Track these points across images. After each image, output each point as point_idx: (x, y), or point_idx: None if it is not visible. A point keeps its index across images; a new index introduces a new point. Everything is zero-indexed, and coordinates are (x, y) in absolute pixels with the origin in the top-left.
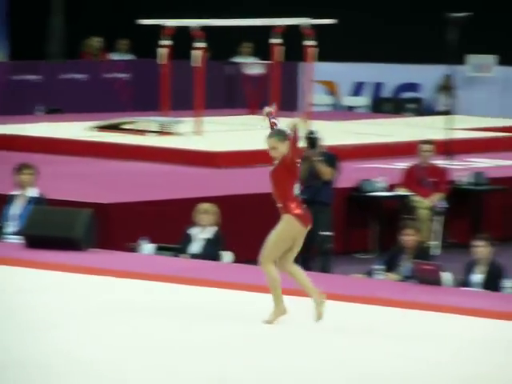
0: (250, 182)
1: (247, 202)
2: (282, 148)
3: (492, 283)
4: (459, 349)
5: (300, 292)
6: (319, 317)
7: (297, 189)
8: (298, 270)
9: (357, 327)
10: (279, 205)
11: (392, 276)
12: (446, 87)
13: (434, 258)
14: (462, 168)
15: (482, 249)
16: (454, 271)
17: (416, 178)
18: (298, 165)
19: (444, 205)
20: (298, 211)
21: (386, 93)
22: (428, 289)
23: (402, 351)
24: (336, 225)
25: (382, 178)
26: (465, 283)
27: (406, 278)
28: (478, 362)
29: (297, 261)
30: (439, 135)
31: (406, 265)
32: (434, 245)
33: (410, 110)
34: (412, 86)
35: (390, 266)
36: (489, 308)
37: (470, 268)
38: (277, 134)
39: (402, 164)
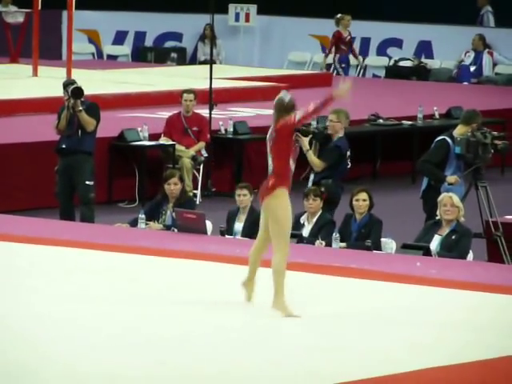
0: (10, 131)
1: (7, 152)
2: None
3: (253, 230)
4: (216, 295)
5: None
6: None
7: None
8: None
9: (123, 276)
10: (272, 179)
11: (155, 225)
12: (208, 36)
13: (197, 207)
14: (224, 117)
15: (243, 197)
16: (217, 220)
17: (178, 128)
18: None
19: (206, 154)
20: (289, 182)
21: (148, 42)
22: (191, 237)
23: (162, 299)
24: (98, 174)
25: (144, 127)
26: (228, 231)
27: (169, 227)
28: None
29: (62, 212)
30: (201, 84)
31: (169, 214)
32: (197, 194)
33: (173, 60)
34: (174, 35)
35: (153, 215)
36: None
37: (232, 216)
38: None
39: (165, 113)
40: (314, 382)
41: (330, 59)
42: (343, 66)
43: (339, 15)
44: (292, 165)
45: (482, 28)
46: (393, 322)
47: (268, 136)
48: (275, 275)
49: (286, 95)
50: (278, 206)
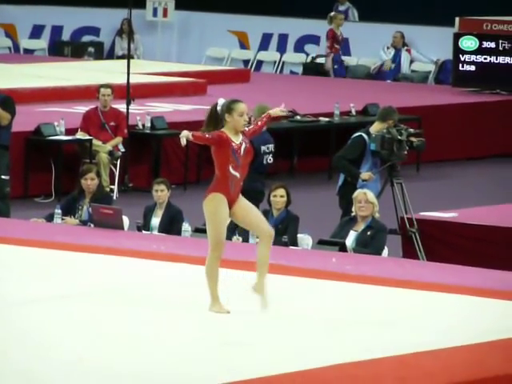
0: None
1: None
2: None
3: (171, 226)
4: (133, 290)
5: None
6: None
7: None
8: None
9: (38, 271)
10: (241, 183)
11: (71, 220)
12: (126, 31)
13: (113, 202)
14: (142, 112)
15: (160, 193)
16: (133, 215)
17: (95, 122)
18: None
19: (123, 149)
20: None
21: (66, 36)
22: (108, 233)
23: (77, 294)
24: (14, 169)
25: (61, 122)
26: (145, 227)
27: (86, 222)
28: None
29: None
30: (119, 79)
31: (86, 209)
32: (114, 189)
33: (90, 54)
34: (91, 30)
35: (70, 211)
36: (167, 251)
37: (149, 212)
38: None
39: (82, 108)
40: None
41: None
42: (335, 66)
43: (332, 13)
44: (232, 171)
45: (400, 25)
46: (307, 318)
47: None
48: (205, 278)
49: (220, 101)
50: (208, 210)
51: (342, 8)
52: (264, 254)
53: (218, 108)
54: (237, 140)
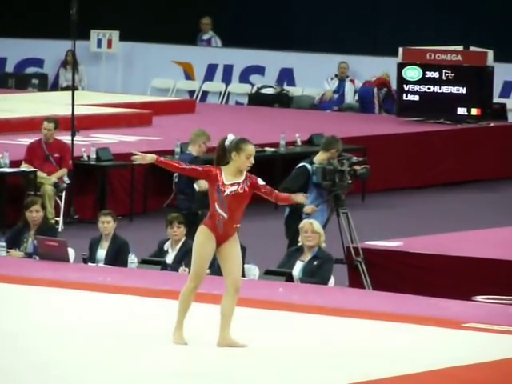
0: None
1: None
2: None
3: (116, 258)
4: (78, 322)
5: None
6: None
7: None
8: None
9: None
10: (236, 225)
11: (16, 253)
12: (70, 62)
13: (59, 235)
14: (87, 144)
15: (106, 224)
16: (79, 247)
17: (40, 154)
18: None
19: (68, 181)
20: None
21: (9, 68)
22: (53, 265)
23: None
24: None
25: (5, 154)
26: (90, 259)
27: (31, 255)
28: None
29: None
30: (63, 111)
31: (31, 241)
32: (59, 221)
33: (34, 86)
34: (35, 61)
35: (15, 243)
36: (113, 283)
37: (94, 244)
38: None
39: (26, 140)
40: None
41: None
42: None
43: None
44: (219, 210)
45: (344, 55)
46: (254, 347)
47: None
48: (177, 305)
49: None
50: (195, 241)
51: (205, 37)
52: (228, 305)
53: (226, 143)
54: (232, 180)
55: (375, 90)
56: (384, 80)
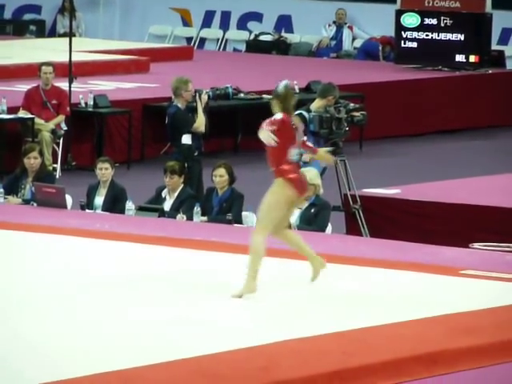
0: None
1: None
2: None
3: (114, 205)
4: (77, 269)
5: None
6: (315, 278)
7: (294, 153)
8: (293, 235)
9: None
10: (272, 169)
11: (13, 199)
12: (67, 9)
13: (56, 181)
14: (84, 90)
15: (104, 171)
16: (76, 194)
17: (38, 101)
18: (294, 128)
19: (66, 127)
20: (291, 175)
21: (7, 14)
22: (50, 212)
23: (20, 272)
24: None
25: (2, 101)
26: (88, 205)
27: (28, 201)
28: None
29: None
30: (61, 57)
31: (29, 188)
32: (57, 168)
33: (32, 32)
34: (33, 8)
35: (12, 190)
36: (110, 230)
37: (92, 190)
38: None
39: (23, 86)
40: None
41: None
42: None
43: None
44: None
45: (342, 2)
46: (254, 296)
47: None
48: (252, 255)
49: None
50: (271, 191)
51: None
52: (294, 237)
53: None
54: None
55: (380, 46)
56: (389, 39)
